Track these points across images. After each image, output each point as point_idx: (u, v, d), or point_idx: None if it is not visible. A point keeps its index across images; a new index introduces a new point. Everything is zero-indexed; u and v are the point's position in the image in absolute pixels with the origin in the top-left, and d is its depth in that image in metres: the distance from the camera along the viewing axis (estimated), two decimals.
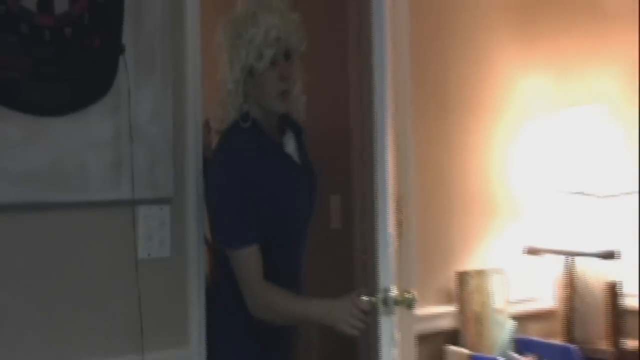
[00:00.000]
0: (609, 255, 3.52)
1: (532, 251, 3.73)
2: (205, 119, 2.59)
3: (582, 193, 3.63)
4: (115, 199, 2.22)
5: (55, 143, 2.06)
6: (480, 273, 3.54)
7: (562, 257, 3.67)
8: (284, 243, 2.59)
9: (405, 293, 2.19)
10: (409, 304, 2.22)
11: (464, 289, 3.49)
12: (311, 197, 2.67)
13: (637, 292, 3.59)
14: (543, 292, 3.87)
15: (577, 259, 3.63)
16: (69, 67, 2.09)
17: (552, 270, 3.79)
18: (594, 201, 3.64)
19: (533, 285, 3.86)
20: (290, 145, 2.61)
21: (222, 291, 2.55)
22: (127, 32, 2.21)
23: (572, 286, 3.66)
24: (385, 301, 2.19)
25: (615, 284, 3.54)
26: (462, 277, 3.47)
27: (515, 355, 3.53)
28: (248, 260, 2.41)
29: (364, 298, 2.23)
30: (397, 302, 2.21)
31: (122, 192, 2.19)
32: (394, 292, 2.18)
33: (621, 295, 3.57)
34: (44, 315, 2.11)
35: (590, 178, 3.60)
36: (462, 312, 3.47)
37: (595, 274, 3.67)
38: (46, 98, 2.07)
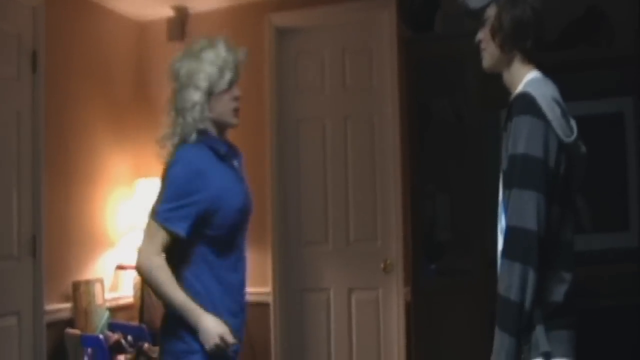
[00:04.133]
0: None
1: (121, 267, 4.74)
2: None
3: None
4: None
5: None
6: (87, 282, 4.42)
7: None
8: (237, 240, 2.58)
9: None
10: None
11: (77, 292, 4.34)
12: (251, 210, 2.65)
13: None
14: (127, 292, 4.84)
15: None
16: None
17: (132, 279, 4.80)
18: None
19: (121, 288, 4.83)
20: (236, 164, 2.68)
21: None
22: None
23: (143, 288, 4.54)
24: None
25: None
26: (76, 285, 4.34)
27: (110, 333, 4.33)
28: (160, 236, 2.40)
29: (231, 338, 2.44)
30: None
31: None
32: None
33: None
34: None
35: None
36: (75, 307, 4.31)
37: None
38: None
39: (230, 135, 4.13)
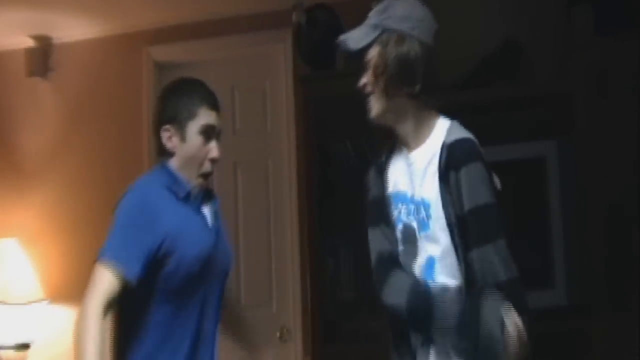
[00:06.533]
0: (24, 347, 4.34)
1: None
2: None
3: (3, 302, 4.33)
4: None
5: None
6: None
7: None
8: (196, 299, 2.38)
9: None
10: None
11: None
12: (223, 266, 2.49)
13: None
14: None
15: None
16: None
17: None
18: (12, 308, 4.36)
19: None
20: (206, 210, 2.50)
21: None
22: None
23: None
24: None
25: None
26: None
27: None
28: (107, 281, 2.19)
29: None
30: None
31: None
32: None
33: None
34: None
35: (9, 292, 4.34)
36: None
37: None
38: None
39: (102, 169, 4.33)
